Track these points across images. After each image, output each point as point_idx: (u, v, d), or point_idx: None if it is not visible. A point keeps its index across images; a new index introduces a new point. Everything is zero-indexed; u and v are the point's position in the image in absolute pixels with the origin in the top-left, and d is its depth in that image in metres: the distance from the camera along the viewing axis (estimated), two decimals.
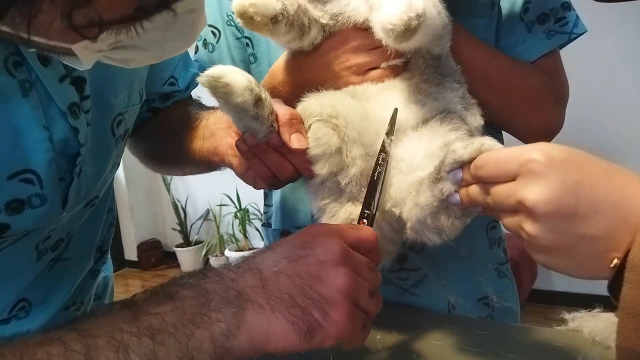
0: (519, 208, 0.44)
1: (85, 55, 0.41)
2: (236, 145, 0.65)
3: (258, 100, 0.58)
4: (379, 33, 0.59)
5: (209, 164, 0.77)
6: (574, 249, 0.42)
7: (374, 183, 0.59)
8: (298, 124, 0.61)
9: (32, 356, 0.38)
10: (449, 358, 0.62)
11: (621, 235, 0.39)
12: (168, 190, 4.13)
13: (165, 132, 0.81)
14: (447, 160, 0.52)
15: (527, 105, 0.78)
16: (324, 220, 0.64)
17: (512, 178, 0.45)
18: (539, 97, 0.78)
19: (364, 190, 0.62)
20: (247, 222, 3.89)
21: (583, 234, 0.41)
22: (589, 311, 0.66)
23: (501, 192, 0.46)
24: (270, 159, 0.63)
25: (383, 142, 0.60)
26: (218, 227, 4.04)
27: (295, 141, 0.60)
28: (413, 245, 0.77)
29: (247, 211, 3.89)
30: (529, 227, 0.43)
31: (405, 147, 0.62)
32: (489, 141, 0.50)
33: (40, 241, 0.60)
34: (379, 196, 0.59)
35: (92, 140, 0.60)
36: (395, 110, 0.61)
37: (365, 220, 0.58)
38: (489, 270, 0.83)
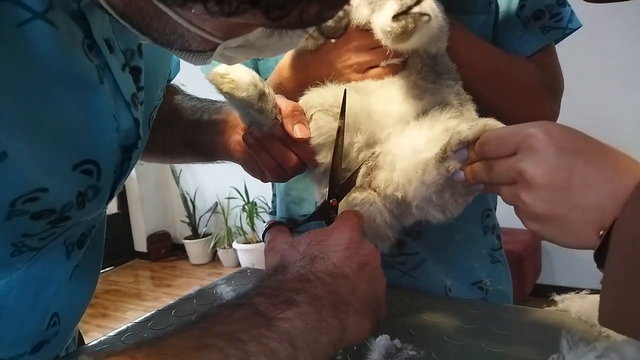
0: (518, 179, 0.48)
1: (217, 52, 0.41)
2: (243, 139, 0.69)
3: (262, 95, 0.62)
4: (378, 34, 0.63)
5: (210, 157, 0.80)
6: (565, 219, 0.45)
7: (338, 165, 0.63)
8: (300, 115, 0.65)
9: None
10: (444, 334, 0.66)
11: (610, 208, 0.42)
12: (177, 183, 4.18)
13: (157, 121, 0.79)
14: (452, 140, 0.55)
15: (523, 98, 0.81)
16: None
17: (513, 152, 0.49)
18: (534, 90, 0.81)
19: (370, 176, 0.66)
20: (255, 215, 3.95)
21: (575, 204, 0.44)
22: (577, 293, 0.70)
23: (502, 165, 0.50)
24: (275, 150, 0.67)
25: (339, 125, 0.64)
26: (226, 220, 4.10)
27: (298, 131, 0.64)
28: (410, 232, 0.82)
29: (255, 204, 3.94)
30: (525, 196, 0.47)
31: (407, 135, 0.66)
32: (492, 121, 0.54)
33: (68, 236, 0.59)
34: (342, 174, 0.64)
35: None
36: (345, 91, 0.65)
37: (335, 199, 0.64)
38: (483, 256, 0.87)
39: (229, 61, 0.46)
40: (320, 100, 0.67)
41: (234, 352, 0.38)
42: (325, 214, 0.64)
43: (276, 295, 0.44)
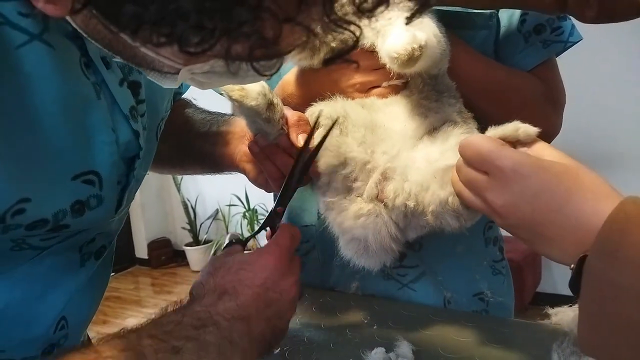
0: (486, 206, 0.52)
1: (182, 75, 0.42)
2: (248, 147, 0.71)
3: (270, 105, 0.64)
4: (384, 58, 0.64)
5: (217, 167, 0.82)
6: (534, 242, 0.49)
7: (290, 179, 0.64)
8: (305, 125, 0.67)
9: None
10: (439, 347, 0.67)
11: (572, 243, 0.45)
12: (178, 189, 4.19)
13: (169, 133, 0.80)
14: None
15: (525, 113, 0.80)
16: (333, 215, 0.70)
17: (484, 172, 0.52)
18: (535, 104, 0.82)
19: (373, 185, 0.67)
20: (256, 222, 3.95)
21: (540, 235, 0.48)
22: (570, 306, 0.71)
23: (472, 177, 0.53)
24: (280, 159, 0.68)
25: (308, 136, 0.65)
26: (227, 227, 4.11)
27: (301, 140, 0.66)
28: (412, 243, 0.83)
29: (256, 211, 3.95)
30: (497, 220, 0.52)
31: (420, 150, 0.68)
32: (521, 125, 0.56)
33: (85, 243, 0.60)
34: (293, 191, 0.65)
35: (146, 144, 0.61)
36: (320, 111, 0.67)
37: (281, 207, 0.65)
38: (485, 268, 0.87)
39: (203, 86, 0.47)
40: (328, 110, 0.68)
41: None
42: (270, 222, 0.65)
43: (165, 341, 0.47)
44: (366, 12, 0.37)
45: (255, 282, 0.55)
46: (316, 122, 0.66)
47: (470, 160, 0.53)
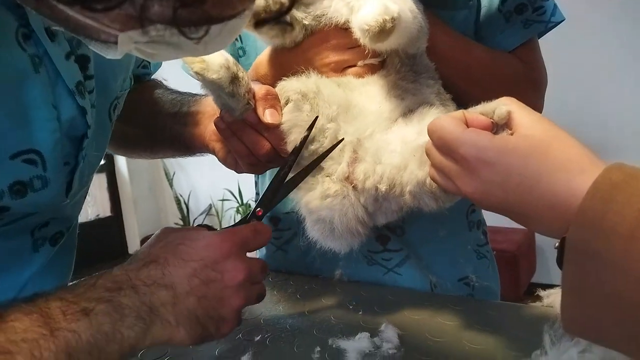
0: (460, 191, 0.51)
1: (123, 44, 0.39)
2: (214, 123, 0.67)
3: (234, 79, 0.61)
4: (357, 33, 0.61)
5: (188, 149, 0.79)
6: (518, 220, 0.47)
7: (280, 181, 0.62)
8: (273, 99, 0.64)
9: None
10: (426, 331, 0.65)
11: (549, 220, 0.44)
12: (171, 185, 4.17)
13: (138, 115, 0.79)
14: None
15: (505, 94, 0.78)
16: (301, 195, 0.68)
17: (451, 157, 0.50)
18: (517, 85, 0.80)
19: (343, 164, 0.65)
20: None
21: (519, 214, 0.46)
22: None
23: (442, 163, 0.52)
24: (246, 136, 0.65)
25: (301, 141, 0.63)
26: (220, 222, 4.08)
27: (268, 116, 0.63)
28: (394, 228, 0.81)
29: (249, 206, 3.93)
30: (474, 202, 0.51)
31: (395, 132, 0.65)
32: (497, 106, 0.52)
33: (37, 228, 0.58)
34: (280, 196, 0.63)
35: (95, 123, 0.57)
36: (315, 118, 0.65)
37: (261, 209, 0.61)
38: (469, 252, 0.86)
39: (152, 58, 0.44)
40: (299, 85, 0.65)
41: None
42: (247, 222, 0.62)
43: (75, 303, 0.44)
44: None
45: (192, 256, 0.51)
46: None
47: (437, 146, 0.52)
